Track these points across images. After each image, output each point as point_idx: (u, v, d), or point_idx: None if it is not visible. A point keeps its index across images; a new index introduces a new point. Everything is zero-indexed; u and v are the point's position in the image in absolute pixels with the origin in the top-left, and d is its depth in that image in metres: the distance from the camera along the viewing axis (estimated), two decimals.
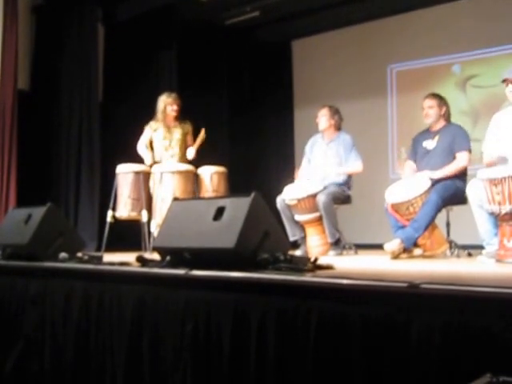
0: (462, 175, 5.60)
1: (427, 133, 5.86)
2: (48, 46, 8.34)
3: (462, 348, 2.17)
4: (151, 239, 6.31)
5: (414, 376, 2.27)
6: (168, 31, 8.59)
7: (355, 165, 6.35)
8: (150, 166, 6.83)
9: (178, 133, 7.04)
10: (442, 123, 5.78)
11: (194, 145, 6.98)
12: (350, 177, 6.45)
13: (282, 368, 2.68)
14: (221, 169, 6.96)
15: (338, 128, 6.55)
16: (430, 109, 5.79)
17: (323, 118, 6.49)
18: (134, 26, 8.47)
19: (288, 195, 6.14)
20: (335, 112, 6.50)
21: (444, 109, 5.79)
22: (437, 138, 5.71)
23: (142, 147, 7.04)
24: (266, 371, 2.73)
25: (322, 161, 6.46)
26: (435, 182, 5.42)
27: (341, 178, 6.34)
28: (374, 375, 2.38)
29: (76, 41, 8.28)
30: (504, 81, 4.93)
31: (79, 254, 4.42)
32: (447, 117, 5.81)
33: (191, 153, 6.94)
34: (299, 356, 2.61)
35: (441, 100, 5.83)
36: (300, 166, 6.78)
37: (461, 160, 5.57)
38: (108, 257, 4.75)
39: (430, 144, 5.75)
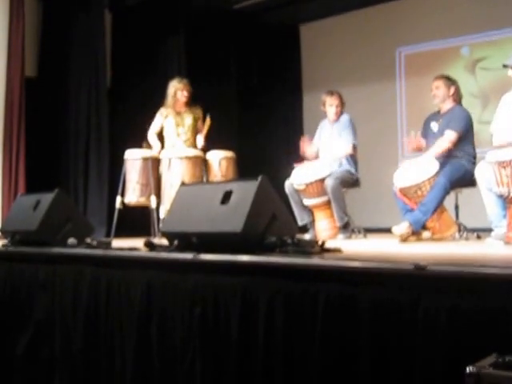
0: (470, 157, 5.58)
1: (437, 115, 5.83)
2: (55, 33, 8.33)
3: (469, 329, 2.18)
4: (160, 224, 6.32)
5: (421, 357, 2.27)
6: (175, 16, 8.56)
7: (343, 149, 6.37)
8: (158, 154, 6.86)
9: (189, 118, 7.04)
10: (449, 104, 5.74)
11: (201, 133, 6.99)
12: (352, 156, 6.44)
13: (290, 351, 2.69)
14: (229, 154, 6.95)
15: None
16: (437, 89, 5.78)
17: (335, 107, 6.47)
18: (141, 11, 8.44)
19: (296, 179, 6.14)
20: (342, 97, 6.52)
21: (452, 89, 5.74)
22: (441, 120, 5.70)
23: (152, 135, 7.05)
24: (274, 354, 2.74)
25: (328, 143, 6.46)
26: (443, 165, 5.40)
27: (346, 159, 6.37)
28: (381, 356, 2.39)
29: (83, 27, 8.27)
30: (505, 66, 4.93)
31: (88, 240, 4.43)
32: (456, 98, 5.78)
33: (200, 141, 6.95)
34: (307, 338, 2.62)
35: (448, 80, 5.79)
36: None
37: (444, 138, 5.55)
38: (117, 242, 4.77)
39: (435, 126, 5.74)
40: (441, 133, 5.62)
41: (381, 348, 2.40)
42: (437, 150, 5.54)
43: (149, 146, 6.98)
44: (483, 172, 4.79)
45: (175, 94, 6.98)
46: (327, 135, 6.52)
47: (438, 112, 5.85)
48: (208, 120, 6.93)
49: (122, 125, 8.16)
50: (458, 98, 5.80)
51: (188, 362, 3.11)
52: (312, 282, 2.68)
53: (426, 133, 5.86)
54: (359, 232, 6.37)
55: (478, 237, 5.49)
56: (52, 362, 3.95)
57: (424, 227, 5.40)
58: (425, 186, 5.31)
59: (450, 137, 5.53)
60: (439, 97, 5.76)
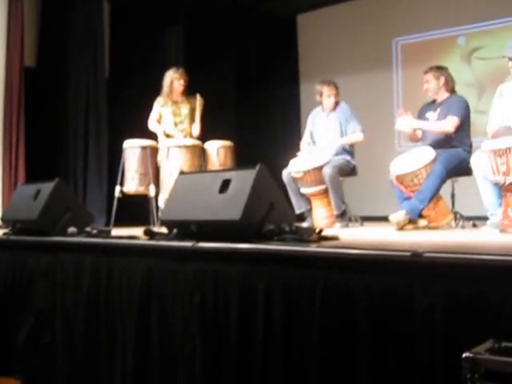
0: (466, 146, 5.60)
1: (432, 104, 5.86)
2: (54, 23, 8.33)
3: (466, 315, 2.20)
4: (159, 213, 6.35)
5: (419, 343, 2.30)
6: (174, 6, 8.56)
7: (355, 135, 6.38)
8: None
9: (185, 108, 7.07)
10: (444, 94, 5.77)
11: (196, 120, 7.02)
12: (352, 146, 6.48)
13: (289, 337, 2.72)
14: (227, 143, 6.99)
15: None
16: (427, 83, 5.81)
17: (332, 97, 6.48)
18: (140, 1, 8.45)
19: (294, 168, 6.16)
20: (337, 87, 6.53)
21: (442, 80, 5.76)
22: (438, 109, 5.72)
23: (153, 124, 7.07)
24: (273, 341, 2.77)
25: (323, 133, 6.49)
26: (440, 153, 5.43)
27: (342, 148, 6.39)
28: (379, 343, 2.42)
29: (82, 17, 8.28)
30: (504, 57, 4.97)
31: (88, 229, 4.44)
32: (449, 87, 5.79)
33: (196, 130, 6.98)
34: (305, 325, 2.66)
35: (437, 71, 5.81)
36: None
37: (447, 122, 5.56)
38: (116, 231, 4.79)
39: (432, 116, 5.76)
40: (440, 121, 5.65)
41: (379, 334, 2.43)
42: (439, 127, 5.58)
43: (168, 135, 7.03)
44: (479, 160, 4.82)
45: (171, 83, 7.01)
46: (322, 124, 6.54)
47: (433, 102, 5.88)
48: (199, 99, 6.97)
49: (120, 115, 8.19)
50: (450, 86, 5.80)
51: (188, 348, 3.14)
52: (310, 269, 2.71)
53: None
54: (356, 220, 6.42)
55: (474, 225, 5.51)
56: (53, 348, 3.98)
57: (420, 215, 5.42)
58: (421, 173, 5.33)
59: (452, 121, 5.54)
60: (431, 90, 5.80)
